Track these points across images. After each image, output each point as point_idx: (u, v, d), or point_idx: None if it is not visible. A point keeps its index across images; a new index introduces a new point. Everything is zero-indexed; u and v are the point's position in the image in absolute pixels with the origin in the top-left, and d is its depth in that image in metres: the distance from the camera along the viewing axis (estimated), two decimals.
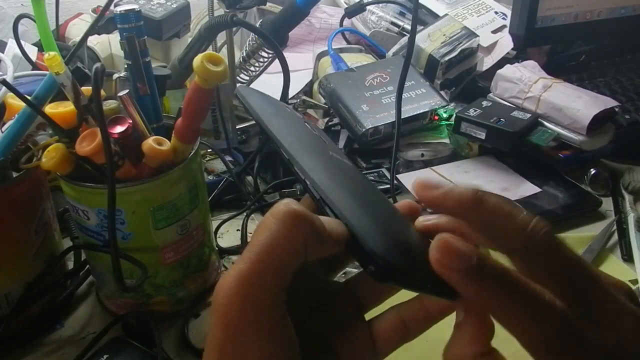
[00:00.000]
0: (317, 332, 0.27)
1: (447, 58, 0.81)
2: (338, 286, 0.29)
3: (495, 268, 0.21)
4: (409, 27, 0.94)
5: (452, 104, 0.77)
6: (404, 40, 0.86)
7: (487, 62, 0.89)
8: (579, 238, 0.57)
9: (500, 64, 0.82)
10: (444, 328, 0.25)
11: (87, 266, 0.51)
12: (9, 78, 0.51)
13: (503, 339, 0.23)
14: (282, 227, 0.21)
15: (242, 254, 0.22)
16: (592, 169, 0.66)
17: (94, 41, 0.80)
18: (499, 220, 0.22)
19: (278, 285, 0.22)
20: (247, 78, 0.78)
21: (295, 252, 0.22)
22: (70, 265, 0.52)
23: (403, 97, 0.68)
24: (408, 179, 0.66)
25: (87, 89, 0.39)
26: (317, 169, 0.26)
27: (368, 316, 0.28)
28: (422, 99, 0.73)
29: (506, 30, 0.91)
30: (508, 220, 0.21)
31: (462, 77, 0.85)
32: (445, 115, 0.75)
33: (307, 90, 0.90)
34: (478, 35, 0.85)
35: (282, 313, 0.22)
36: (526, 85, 0.71)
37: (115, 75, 0.50)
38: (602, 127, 0.67)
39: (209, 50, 0.61)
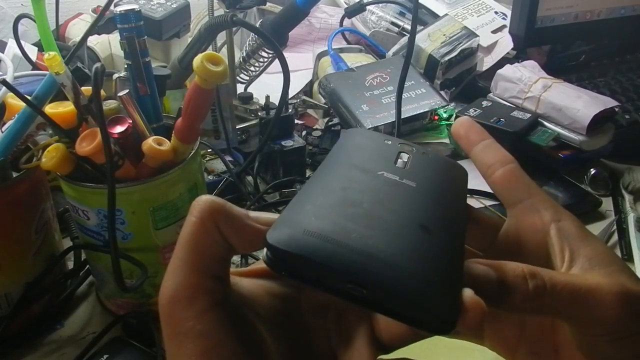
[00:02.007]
0: (329, 348, 0.26)
1: (447, 58, 0.81)
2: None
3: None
4: (408, 27, 0.94)
5: (452, 104, 0.77)
6: (404, 40, 0.86)
7: (487, 62, 0.89)
8: None
9: (500, 64, 0.82)
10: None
11: (87, 266, 0.51)
12: (9, 78, 0.51)
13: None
14: (193, 216, 0.22)
15: None
16: (592, 169, 0.66)
17: (94, 41, 0.80)
18: None
19: (200, 271, 0.22)
20: (247, 78, 0.78)
21: (208, 235, 0.22)
22: (70, 265, 0.52)
23: (403, 97, 0.68)
24: None
25: (87, 89, 0.39)
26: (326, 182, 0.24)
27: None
28: (422, 99, 0.73)
29: (506, 30, 0.91)
30: None
31: (462, 77, 0.86)
32: (445, 115, 0.75)
33: (307, 90, 0.90)
34: (478, 35, 0.85)
35: (211, 301, 0.22)
36: (526, 85, 0.71)
37: (115, 75, 0.50)
38: (602, 127, 0.67)
39: (209, 50, 0.61)
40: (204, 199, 0.23)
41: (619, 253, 0.55)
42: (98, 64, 0.38)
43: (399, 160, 0.27)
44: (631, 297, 0.24)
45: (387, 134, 0.31)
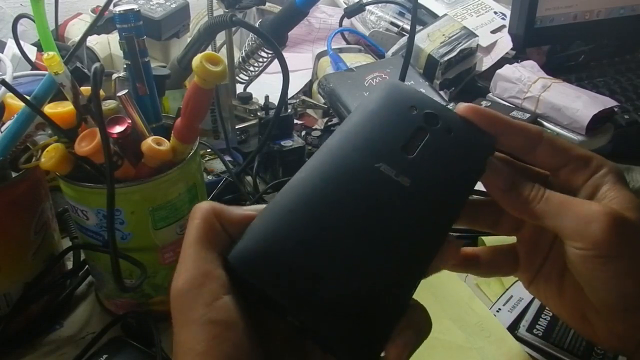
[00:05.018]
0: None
1: (446, 58, 0.81)
2: None
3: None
4: (408, 27, 0.94)
5: (452, 104, 0.77)
6: (404, 40, 0.86)
7: (486, 62, 0.89)
8: None
9: (500, 64, 0.82)
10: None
11: (87, 266, 0.51)
12: (8, 78, 0.51)
13: None
14: (196, 219, 0.24)
15: None
16: None
17: (93, 41, 0.80)
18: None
19: (209, 261, 0.23)
20: (247, 78, 0.78)
21: (213, 229, 0.24)
22: (70, 265, 0.52)
23: None
24: None
25: (86, 89, 0.39)
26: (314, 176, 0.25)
27: None
28: None
29: (505, 30, 0.91)
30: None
31: (462, 77, 0.86)
32: None
33: (307, 90, 0.90)
34: (477, 35, 0.85)
35: (221, 288, 0.23)
36: (525, 85, 0.71)
37: (115, 75, 0.50)
38: (601, 127, 0.67)
39: (208, 50, 0.61)
40: (203, 203, 0.25)
41: None
42: (97, 64, 0.38)
43: (411, 141, 0.27)
44: (624, 223, 0.27)
45: (423, 94, 0.30)
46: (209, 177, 0.66)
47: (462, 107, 0.30)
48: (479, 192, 0.33)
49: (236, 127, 0.72)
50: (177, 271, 0.23)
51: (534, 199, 0.29)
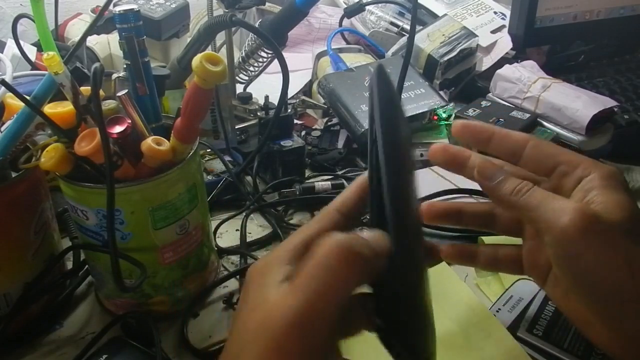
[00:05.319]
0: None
1: (446, 58, 0.81)
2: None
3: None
4: (408, 27, 0.94)
5: (451, 104, 0.77)
6: (403, 40, 0.86)
7: (486, 62, 0.89)
8: None
9: (500, 64, 0.82)
10: None
11: (86, 266, 0.51)
12: (8, 78, 0.51)
13: None
14: (341, 270, 0.23)
15: (294, 284, 0.23)
16: None
17: (93, 41, 0.80)
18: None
19: (334, 320, 0.23)
20: (247, 78, 0.78)
21: (353, 289, 0.24)
22: (70, 265, 0.52)
23: (402, 97, 0.68)
24: None
25: (86, 89, 0.39)
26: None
27: None
28: (421, 99, 0.73)
29: (505, 30, 0.91)
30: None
31: (461, 77, 0.86)
32: (444, 115, 0.75)
33: (307, 90, 0.90)
34: (477, 35, 0.85)
35: (333, 344, 0.24)
36: (525, 85, 0.71)
37: (114, 75, 0.50)
38: (601, 127, 0.67)
39: (208, 50, 0.61)
40: (348, 250, 0.23)
41: None
42: (97, 64, 0.37)
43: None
44: (597, 221, 0.28)
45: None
46: (209, 177, 0.66)
47: (457, 124, 0.34)
48: (468, 191, 0.36)
49: (236, 127, 0.72)
50: (299, 306, 0.22)
51: (519, 192, 0.31)
